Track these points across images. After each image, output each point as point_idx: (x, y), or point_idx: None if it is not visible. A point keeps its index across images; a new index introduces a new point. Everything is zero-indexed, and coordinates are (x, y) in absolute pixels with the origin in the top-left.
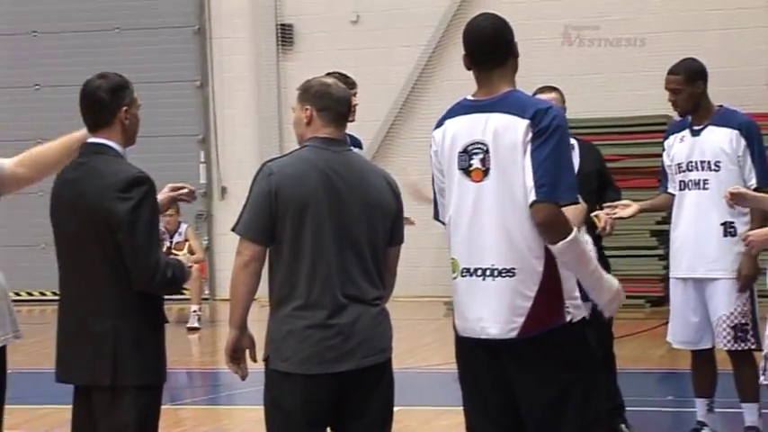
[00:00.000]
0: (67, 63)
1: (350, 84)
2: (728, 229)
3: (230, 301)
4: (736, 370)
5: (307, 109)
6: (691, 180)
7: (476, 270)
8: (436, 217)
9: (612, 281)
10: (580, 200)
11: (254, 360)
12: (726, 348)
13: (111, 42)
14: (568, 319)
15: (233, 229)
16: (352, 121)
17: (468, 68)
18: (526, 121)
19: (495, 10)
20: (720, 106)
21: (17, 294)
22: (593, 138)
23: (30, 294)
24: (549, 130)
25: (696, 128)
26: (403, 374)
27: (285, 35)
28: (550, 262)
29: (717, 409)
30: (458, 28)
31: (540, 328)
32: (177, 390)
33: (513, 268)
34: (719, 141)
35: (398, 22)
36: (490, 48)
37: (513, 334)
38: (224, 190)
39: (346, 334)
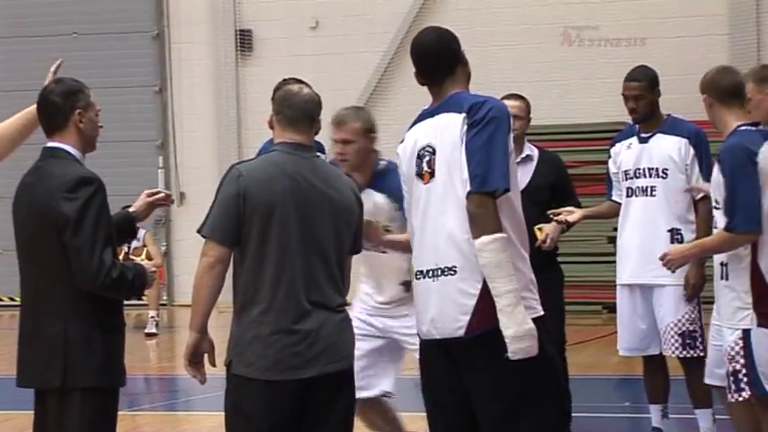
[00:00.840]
0: (25, 68)
1: None
2: (675, 236)
3: (192, 303)
4: (687, 376)
5: (271, 114)
6: (638, 187)
7: (424, 272)
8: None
9: (529, 321)
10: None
11: (213, 365)
12: (674, 355)
13: (70, 47)
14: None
15: (199, 231)
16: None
17: (422, 84)
18: (462, 115)
19: (454, 16)
20: (668, 115)
21: None
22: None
23: None
24: (483, 121)
25: (644, 135)
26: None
27: (244, 40)
28: None
29: (672, 415)
30: (417, 33)
31: (486, 325)
32: (135, 395)
33: (455, 266)
34: (668, 149)
35: (357, 28)
36: (437, 61)
37: (461, 333)
38: (182, 195)
39: (311, 340)
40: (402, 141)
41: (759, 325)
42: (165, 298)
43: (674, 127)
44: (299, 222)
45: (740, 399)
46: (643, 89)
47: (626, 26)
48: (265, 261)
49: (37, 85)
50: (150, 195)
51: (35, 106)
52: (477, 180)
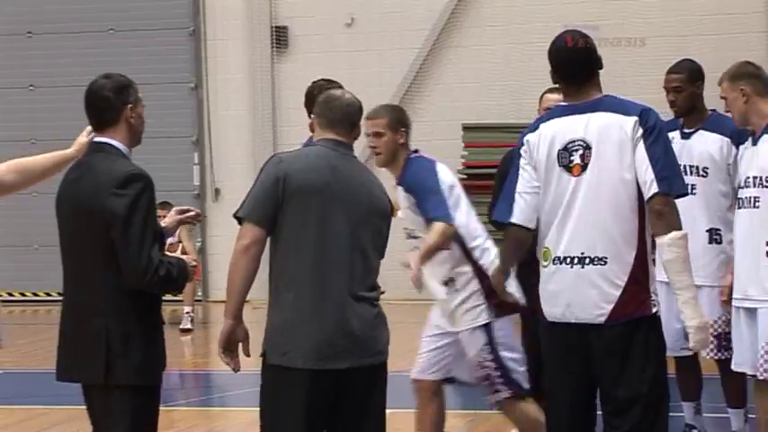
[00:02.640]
0: (62, 64)
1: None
2: (714, 236)
3: (227, 288)
4: (722, 377)
5: (312, 117)
6: None
7: (566, 258)
8: (497, 218)
9: (705, 314)
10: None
11: (248, 355)
12: (709, 357)
13: (106, 44)
14: (654, 311)
15: (235, 214)
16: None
17: (556, 83)
18: (633, 119)
19: (490, 12)
20: (713, 110)
21: (10, 294)
22: None
23: (23, 295)
24: (656, 128)
25: (687, 131)
26: (395, 377)
27: (279, 37)
28: (642, 254)
29: (707, 414)
30: (452, 31)
31: (627, 316)
32: (170, 391)
33: (605, 257)
34: (709, 147)
35: (393, 25)
36: (582, 67)
37: (602, 319)
38: (217, 191)
39: (346, 332)
40: (534, 130)
41: None
42: (199, 294)
43: (717, 124)
44: (338, 212)
45: None
46: (682, 81)
47: (658, 25)
48: (303, 247)
49: (74, 81)
50: (180, 213)
51: (67, 151)
52: (665, 182)
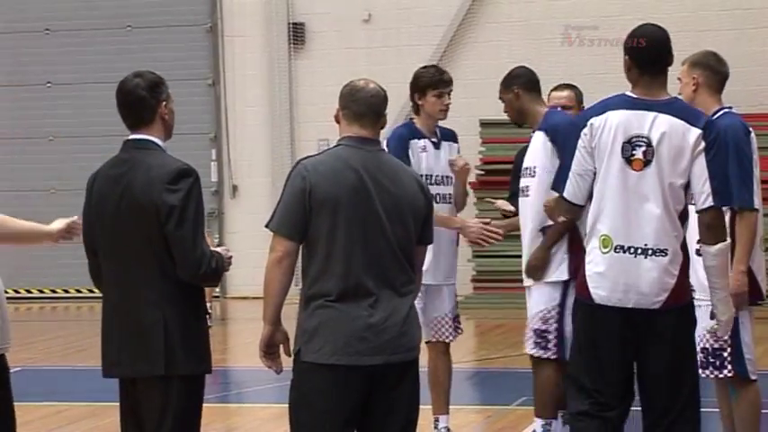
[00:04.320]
0: (79, 61)
1: None
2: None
3: (264, 297)
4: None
5: (337, 109)
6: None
7: (630, 248)
8: (558, 189)
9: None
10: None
11: (289, 354)
12: (528, 351)
13: (123, 40)
14: (691, 299)
15: (267, 226)
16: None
17: (628, 70)
18: (698, 132)
19: (507, 8)
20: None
21: (16, 292)
22: None
23: (29, 292)
24: (716, 142)
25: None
26: None
27: (297, 34)
28: (684, 248)
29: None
30: (469, 27)
31: (677, 303)
32: None
33: (667, 249)
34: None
35: (410, 21)
36: (661, 56)
37: (658, 306)
38: (235, 188)
39: (378, 328)
40: (600, 114)
41: None
42: (217, 290)
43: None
44: (366, 215)
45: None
46: (500, 92)
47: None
48: (333, 252)
49: (92, 77)
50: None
51: (49, 229)
52: (718, 197)
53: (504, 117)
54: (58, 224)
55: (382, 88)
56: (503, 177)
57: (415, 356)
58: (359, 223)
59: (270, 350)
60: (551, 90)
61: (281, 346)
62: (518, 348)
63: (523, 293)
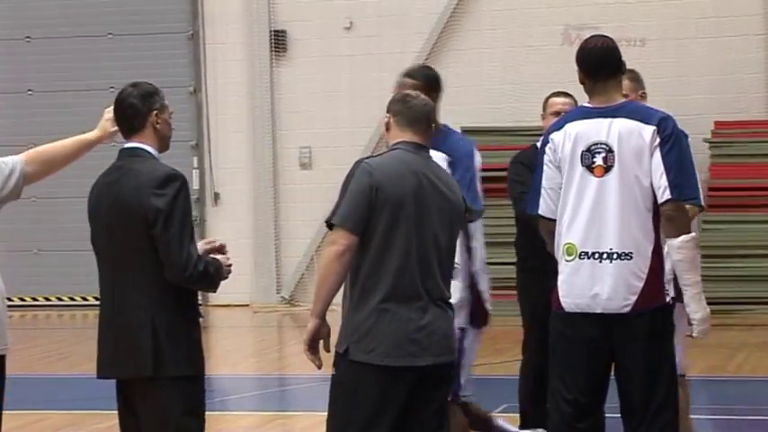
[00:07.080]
0: (61, 68)
1: None
2: None
3: (317, 290)
4: None
5: (387, 116)
6: None
7: (594, 253)
8: (532, 210)
9: (707, 308)
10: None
11: (328, 350)
12: None
13: (105, 48)
14: (668, 299)
15: (327, 221)
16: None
17: (582, 82)
18: (652, 128)
19: (489, 15)
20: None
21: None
22: None
23: (21, 300)
24: (672, 136)
25: None
26: None
27: (278, 41)
28: (657, 249)
29: (726, 416)
30: (451, 34)
31: (648, 305)
32: None
33: (631, 252)
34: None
35: (392, 29)
36: (607, 62)
37: (627, 309)
38: (217, 196)
39: (428, 330)
40: (559, 129)
41: None
42: (199, 298)
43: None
44: (422, 218)
45: None
46: (417, 89)
47: (656, 27)
48: (389, 252)
49: (73, 85)
50: (207, 244)
51: (89, 134)
52: (676, 190)
53: (486, 124)
54: (101, 125)
55: (430, 100)
56: (484, 184)
57: (454, 359)
58: (416, 226)
59: (314, 344)
60: (549, 96)
61: (322, 341)
62: (500, 355)
63: (506, 300)
